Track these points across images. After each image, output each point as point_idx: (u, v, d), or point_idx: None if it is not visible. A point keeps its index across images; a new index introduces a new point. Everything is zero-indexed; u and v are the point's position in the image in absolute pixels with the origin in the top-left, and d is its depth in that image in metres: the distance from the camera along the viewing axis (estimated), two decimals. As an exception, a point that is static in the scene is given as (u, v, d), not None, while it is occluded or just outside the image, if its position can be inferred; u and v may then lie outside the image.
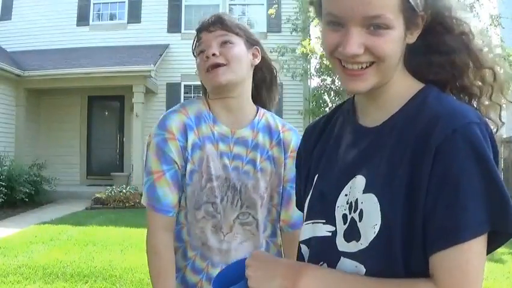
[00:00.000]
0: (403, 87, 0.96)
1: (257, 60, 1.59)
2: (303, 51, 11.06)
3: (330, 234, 0.97)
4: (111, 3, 13.74)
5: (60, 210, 9.50)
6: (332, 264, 0.95)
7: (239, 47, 1.53)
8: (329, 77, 12.05)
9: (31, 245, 6.36)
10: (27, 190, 9.77)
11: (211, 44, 1.51)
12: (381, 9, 0.85)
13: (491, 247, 0.85)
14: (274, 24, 12.76)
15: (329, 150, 1.06)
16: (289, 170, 1.59)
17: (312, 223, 1.02)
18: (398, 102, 0.95)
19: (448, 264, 0.81)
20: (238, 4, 13.75)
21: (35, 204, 10.15)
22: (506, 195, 0.83)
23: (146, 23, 13.23)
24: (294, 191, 1.55)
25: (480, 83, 0.96)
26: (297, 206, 1.20)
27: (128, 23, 13.36)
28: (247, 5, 13.81)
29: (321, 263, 0.97)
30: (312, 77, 12.66)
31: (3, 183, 9.25)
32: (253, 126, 1.59)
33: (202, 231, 1.51)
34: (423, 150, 0.85)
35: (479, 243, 0.82)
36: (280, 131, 1.62)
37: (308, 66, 12.21)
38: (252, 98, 1.63)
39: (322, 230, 0.98)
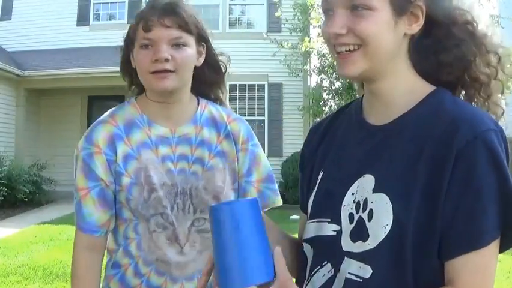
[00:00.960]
0: (412, 88, 0.96)
1: (201, 60, 1.45)
2: (305, 48, 11.03)
3: (335, 233, 0.96)
4: (111, 3, 13.72)
5: (60, 210, 9.49)
6: (336, 264, 0.94)
7: (191, 49, 1.39)
8: (327, 77, 12.04)
9: (31, 245, 6.36)
10: (27, 190, 9.76)
11: (163, 46, 1.33)
12: None
13: (500, 250, 0.87)
14: (274, 24, 12.75)
15: (335, 148, 1.05)
16: (243, 163, 1.49)
17: (317, 222, 1.01)
18: (407, 102, 0.95)
19: (470, 267, 0.83)
20: (238, 4, 13.74)
21: (35, 204, 10.15)
22: None
23: (146, 23, 13.21)
24: (252, 187, 1.50)
25: (487, 69, 0.97)
26: (301, 208, 1.19)
27: (128, 23, 13.19)
28: (247, 5, 13.80)
29: (325, 262, 0.97)
30: (312, 74, 12.64)
31: (4, 183, 9.23)
32: (195, 121, 1.45)
33: (156, 245, 1.39)
34: (443, 154, 0.85)
35: (495, 246, 0.84)
36: (227, 122, 1.48)
37: (308, 63, 12.16)
38: (193, 90, 1.50)
39: (327, 229, 0.98)
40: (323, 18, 0.97)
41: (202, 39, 1.44)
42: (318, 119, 12.04)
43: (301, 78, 12.29)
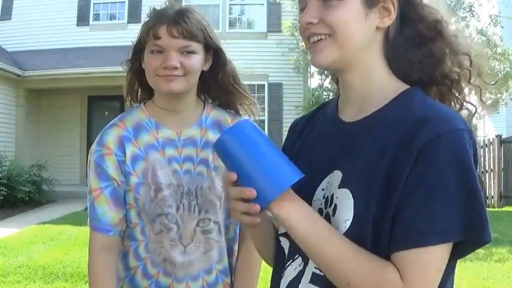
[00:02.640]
0: (384, 85, 0.97)
1: (208, 65, 1.50)
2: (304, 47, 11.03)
3: None
4: (111, 3, 13.73)
5: (60, 210, 9.50)
6: (306, 258, 0.96)
7: (198, 56, 1.44)
8: (327, 78, 12.06)
9: (31, 245, 6.36)
10: (27, 190, 9.77)
11: (172, 54, 1.39)
12: None
13: (461, 254, 0.86)
14: (274, 24, 12.76)
15: (309, 144, 1.07)
16: None
17: None
18: (380, 101, 0.96)
19: (411, 262, 0.82)
20: (238, 4, 13.75)
21: (35, 204, 10.15)
22: (483, 206, 0.84)
23: (146, 23, 13.21)
24: None
25: (458, 69, 0.98)
26: None
27: (128, 23, 13.35)
28: (247, 4, 13.81)
29: (297, 256, 0.99)
30: (313, 75, 12.65)
31: (4, 183, 9.24)
32: (200, 124, 1.51)
33: (162, 246, 1.43)
34: (404, 152, 0.85)
35: (443, 248, 0.83)
36: (231, 125, 1.50)
37: (309, 62, 12.18)
38: (200, 94, 1.56)
39: None
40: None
41: (210, 45, 1.47)
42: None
43: (302, 78, 12.30)
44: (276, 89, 12.62)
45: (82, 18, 13.47)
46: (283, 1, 11.91)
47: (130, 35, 1.57)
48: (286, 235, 1.04)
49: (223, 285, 1.51)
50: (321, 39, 0.94)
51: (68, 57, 11.99)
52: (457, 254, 0.85)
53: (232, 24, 13.54)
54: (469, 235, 0.82)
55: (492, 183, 10.79)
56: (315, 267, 0.93)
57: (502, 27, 11.40)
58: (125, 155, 1.44)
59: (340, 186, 0.93)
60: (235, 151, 0.90)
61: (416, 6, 0.98)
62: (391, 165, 0.86)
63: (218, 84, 1.55)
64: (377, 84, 0.97)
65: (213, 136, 1.49)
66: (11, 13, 13.53)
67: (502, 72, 10.59)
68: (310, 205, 0.96)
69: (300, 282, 0.96)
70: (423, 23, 0.97)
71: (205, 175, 1.47)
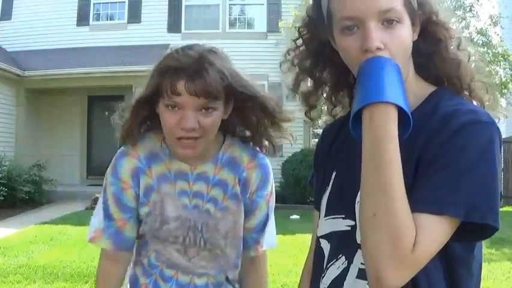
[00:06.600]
0: (417, 89, 1.00)
1: (228, 112, 1.39)
2: None
3: (349, 228, 1.00)
4: (111, 3, 13.73)
5: (60, 210, 9.50)
6: (350, 256, 0.99)
7: (218, 112, 1.33)
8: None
9: (31, 245, 6.37)
10: (27, 190, 9.77)
11: (189, 114, 1.28)
12: (392, 2, 0.90)
13: (476, 237, 0.89)
14: (274, 24, 12.76)
15: (347, 147, 1.08)
16: (256, 209, 1.50)
17: (332, 218, 1.06)
18: (413, 103, 0.98)
19: (423, 224, 0.83)
20: (238, 4, 13.75)
21: (35, 204, 10.15)
22: (492, 189, 0.85)
23: (146, 23, 13.22)
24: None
25: (459, 82, 1.02)
26: (314, 206, 1.22)
27: (128, 23, 13.36)
28: (247, 4, 13.81)
29: (340, 255, 1.02)
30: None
31: (4, 183, 9.24)
32: (216, 161, 1.45)
33: (170, 254, 1.48)
34: (432, 145, 0.88)
35: (443, 221, 0.83)
36: (245, 168, 1.47)
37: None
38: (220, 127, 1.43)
39: (341, 224, 1.02)
40: (338, 36, 0.95)
41: (233, 94, 1.36)
42: (323, 119, 11.96)
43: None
44: (276, 89, 12.60)
45: (82, 18, 13.47)
46: (283, 1, 11.90)
47: (130, 35, 1.56)
48: (326, 237, 1.07)
49: None
50: None
51: (68, 57, 11.99)
52: (469, 236, 0.87)
53: (232, 24, 13.53)
54: (469, 215, 0.83)
55: (492, 183, 10.78)
56: (361, 263, 0.96)
57: (503, 28, 11.41)
58: (139, 187, 1.44)
59: None
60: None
61: (430, 22, 1.00)
62: (418, 159, 0.89)
63: (245, 120, 1.47)
64: (411, 89, 0.99)
65: (226, 175, 1.45)
66: (11, 13, 13.53)
67: (502, 78, 10.58)
68: (354, 206, 0.98)
69: (345, 279, 0.99)
70: (432, 38, 1.00)
71: (212, 213, 1.44)
